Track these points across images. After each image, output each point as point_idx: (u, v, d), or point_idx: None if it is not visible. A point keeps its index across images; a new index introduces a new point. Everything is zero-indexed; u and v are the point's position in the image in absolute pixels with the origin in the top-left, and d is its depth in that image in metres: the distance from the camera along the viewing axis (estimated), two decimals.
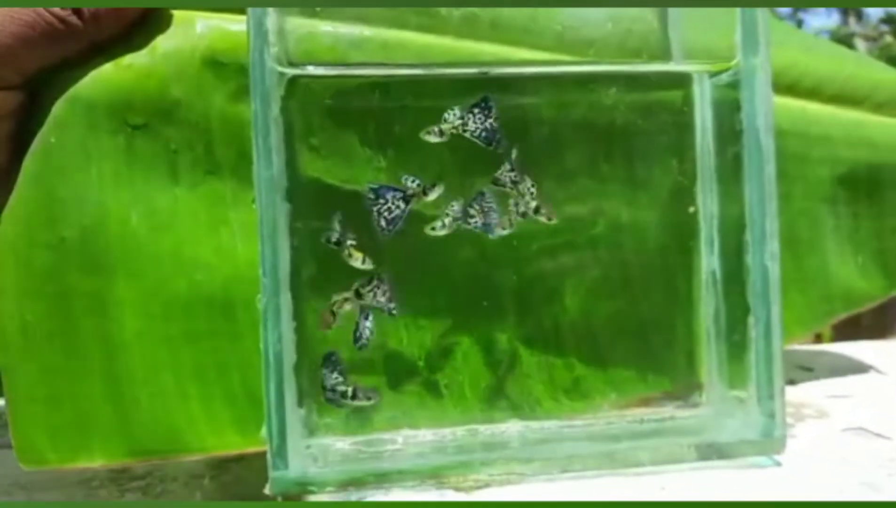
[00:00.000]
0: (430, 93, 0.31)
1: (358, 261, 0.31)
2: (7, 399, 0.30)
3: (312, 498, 0.28)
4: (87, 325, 0.30)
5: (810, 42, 0.40)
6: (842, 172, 0.39)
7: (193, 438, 0.31)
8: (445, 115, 0.30)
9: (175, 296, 0.31)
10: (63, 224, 0.30)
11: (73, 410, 0.30)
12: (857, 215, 0.40)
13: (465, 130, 0.30)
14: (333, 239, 0.31)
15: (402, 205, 0.30)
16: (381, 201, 0.30)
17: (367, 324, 0.31)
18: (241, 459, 0.40)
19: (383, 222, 0.30)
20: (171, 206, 0.31)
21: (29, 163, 0.30)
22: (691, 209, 0.33)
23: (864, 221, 0.40)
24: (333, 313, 0.31)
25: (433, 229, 0.31)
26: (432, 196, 0.31)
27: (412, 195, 0.30)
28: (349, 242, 0.31)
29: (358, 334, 0.31)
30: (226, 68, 0.31)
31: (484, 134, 0.30)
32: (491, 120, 0.30)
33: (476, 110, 0.30)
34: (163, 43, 0.31)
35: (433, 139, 0.30)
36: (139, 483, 0.38)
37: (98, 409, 0.30)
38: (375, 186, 0.30)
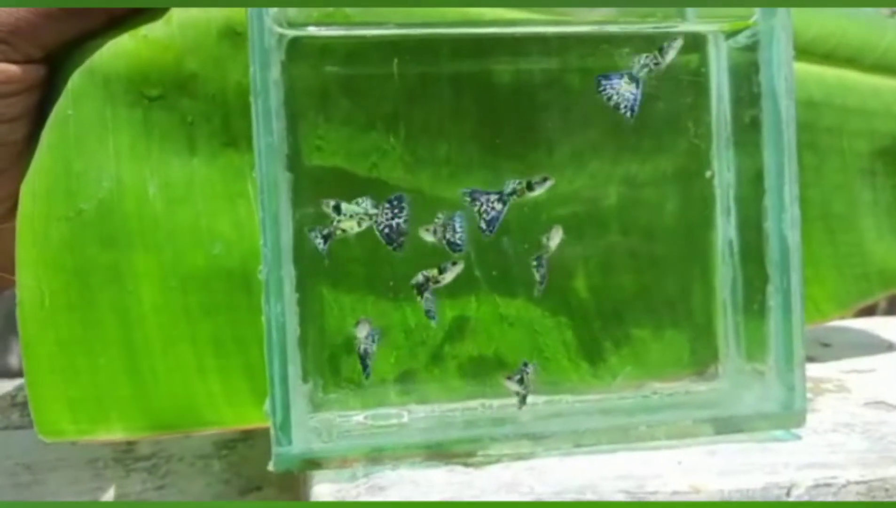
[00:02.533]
0: (443, 56, 0.31)
1: (354, 228, 0.30)
2: (26, 371, 0.30)
3: (318, 481, 0.28)
4: (105, 297, 0.30)
5: (848, 10, 0.39)
6: (881, 145, 0.38)
7: (211, 411, 0.31)
8: (358, 200, 0.30)
9: (193, 269, 0.31)
10: (81, 197, 0.30)
11: (91, 382, 0.30)
12: None
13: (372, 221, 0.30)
14: (323, 235, 0.30)
15: (499, 206, 0.30)
16: (478, 203, 0.30)
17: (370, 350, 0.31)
18: (247, 438, 0.39)
19: (483, 225, 0.30)
20: (189, 178, 0.31)
21: (46, 135, 0.30)
22: (708, 174, 0.33)
23: None
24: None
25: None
26: (539, 190, 0.30)
27: (511, 194, 0.30)
28: (336, 222, 0.30)
29: (365, 364, 0.31)
30: (242, 39, 0.30)
31: (386, 230, 0.30)
32: (399, 220, 0.30)
33: (388, 206, 0.30)
34: (179, 14, 0.30)
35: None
36: (144, 463, 0.38)
37: (116, 381, 0.30)
38: (468, 191, 0.30)
